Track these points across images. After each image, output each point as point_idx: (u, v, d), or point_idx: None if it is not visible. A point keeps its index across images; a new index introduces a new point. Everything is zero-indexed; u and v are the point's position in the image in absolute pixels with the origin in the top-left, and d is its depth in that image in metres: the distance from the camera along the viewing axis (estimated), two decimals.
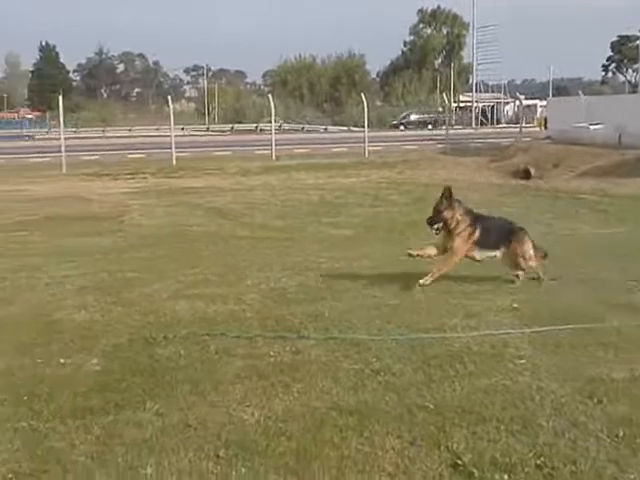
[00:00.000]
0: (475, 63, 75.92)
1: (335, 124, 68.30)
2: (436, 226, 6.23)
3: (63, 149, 22.40)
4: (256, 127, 61.01)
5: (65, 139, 23.37)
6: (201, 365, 4.47)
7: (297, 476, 3.12)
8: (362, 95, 30.61)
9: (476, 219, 6.27)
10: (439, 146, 30.17)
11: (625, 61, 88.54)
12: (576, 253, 8.29)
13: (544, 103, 49.04)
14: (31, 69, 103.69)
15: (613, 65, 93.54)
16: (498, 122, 68.42)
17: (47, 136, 47.17)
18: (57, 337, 5.05)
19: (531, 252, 6.44)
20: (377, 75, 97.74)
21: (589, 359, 4.42)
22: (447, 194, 6.19)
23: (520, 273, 6.45)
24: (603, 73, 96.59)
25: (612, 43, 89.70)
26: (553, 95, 64.16)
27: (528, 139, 26.89)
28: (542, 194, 15.06)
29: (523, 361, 4.40)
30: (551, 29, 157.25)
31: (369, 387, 4.06)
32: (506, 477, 3.07)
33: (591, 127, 23.41)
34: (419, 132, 49.38)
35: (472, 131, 52.96)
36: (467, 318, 5.31)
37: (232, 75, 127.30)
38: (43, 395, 4.02)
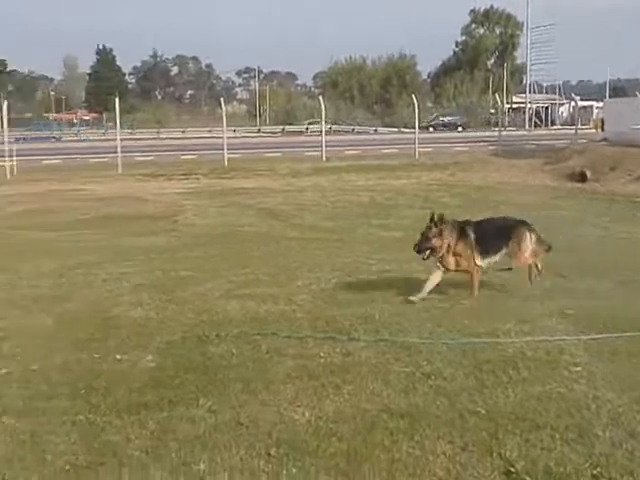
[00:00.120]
0: (529, 63, 74.55)
1: (385, 125, 68.03)
2: (424, 254, 5.97)
3: (119, 150, 22.95)
4: (307, 128, 61.31)
5: (121, 140, 23.94)
6: (252, 364, 4.52)
7: (348, 477, 3.13)
8: (413, 96, 30.33)
9: (465, 230, 5.99)
10: (491, 148, 29.68)
11: None
12: (633, 257, 8.05)
13: (600, 104, 47.71)
14: (88, 72, 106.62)
15: None
16: (552, 124, 66.99)
17: (103, 137, 48.39)
18: (114, 333, 5.19)
19: (530, 247, 6.15)
20: (428, 76, 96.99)
21: None
22: (439, 220, 5.91)
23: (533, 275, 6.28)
24: None
25: None
26: (610, 96, 62.44)
27: (584, 141, 26.19)
28: (598, 197, 14.66)
29: (579, 368, 4.31)
30: (608, 29, 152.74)
31: (420, 391, 4.04)
32: None
33: None
34: (462, 134, 48.65)
35: (525, 133, 51.94)
36: (520, 323, 5.22)
37: (283, 77, 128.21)
38: (100, 389, 4.14)
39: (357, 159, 26.57)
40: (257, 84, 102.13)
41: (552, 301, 5.81)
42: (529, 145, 31.36)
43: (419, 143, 27.42)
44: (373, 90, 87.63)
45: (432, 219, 5.90)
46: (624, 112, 26.49)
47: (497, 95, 40.99)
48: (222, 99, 28.85)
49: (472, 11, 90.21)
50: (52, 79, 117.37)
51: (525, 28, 76.15)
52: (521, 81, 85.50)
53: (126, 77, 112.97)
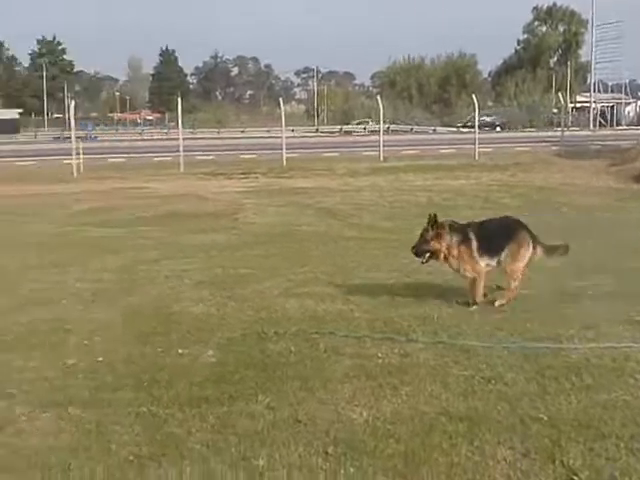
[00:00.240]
0: (594, 62, 72.35)
1: (444, 125, 67.27)
2: (422, 257, 5.80)
3: (181, 149, 23.44)
4: (359, 126, 61.35)
5: (183, 139, 24.44)
6: (311, 362, 4.55)
7: (405, 479, 3.11)
8: (473, 96, 29.88)
9: (466, 232, 5.73)
10: (554, 148, 28.99)
11: None
12: None
13: None
14: (152, 72, 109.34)
15: None
16: (618, 124, 64.90)
17: (166, 136, 49.50)
18: (175, 328, 5.31)
19: (524, 260, 5.74)
20: (488, 75, 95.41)
21: None
22: (433, 221, 5.69)
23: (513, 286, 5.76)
24: None
25: None
26: None
27: None
28: None
29: None
30: None
31: (479, 394, 3.99)
32: None
33: None
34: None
35: (590, 133, 50.46)
36: (584, 329, 5.08)
37: (341, 77, 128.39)
38: (162, 382, 4.25)
39: (415, 159, 26.35)
40: (315, 84, 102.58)
41: (618, 306, 5.62)
42: (593, 146, 30.48)
43: (479, 143, 27.01)
44: (432, 89, 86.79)
45: (430, 221, 5.69)
46: None
47: (560, 94, 39.89)
48: (281, 99, 29.07)
49: (535, 8, 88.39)
50: (117, 80, 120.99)
51: (590, 25, 74.01)
52: (585, 80, 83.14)
53: (188, 78, 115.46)
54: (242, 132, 59.92)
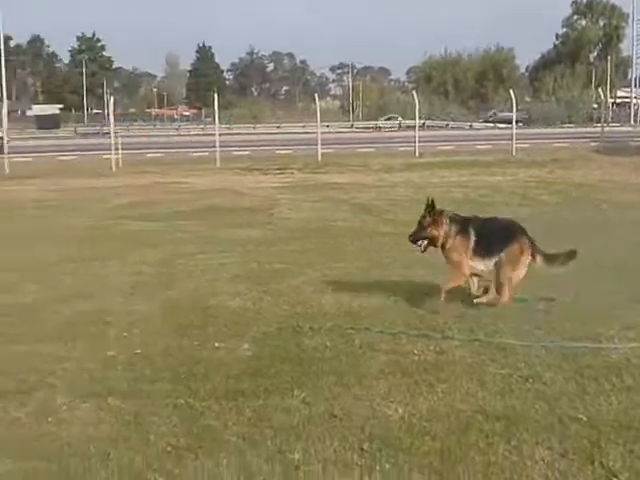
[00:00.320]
0: (634, 56, 70.71)
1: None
2: (420, 243, 5.64)
3: (217, 144, 23.65)
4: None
5: (219, 135, 24.64)
6: (346, 358, 4.56)
7: (441, 477, 3.10)
8: (510, 91, 29.45)
9: (466, 225, 5.54)
10: (593, 144, 28.44)
11: None
12: None
13: None
14: (189, 69, 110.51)
15: None
16: None
17: (202, 132, 49.94)
18: (212, 322, 5.37)
19: (523, 268, 5.48)
20: (526, 70, 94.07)
21: None
22: (431, 208, 5.54)
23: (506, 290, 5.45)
24: None
25: None
26: None
27: None
28: None
29: None
30: None
31: (517, 393, 3.94)
32: None
33: None
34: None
35: (630, 129, 49.33)
36: (625, 329, 4.98)
37: (376, 72, 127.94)
38: (199, 375, 4.30)
39: (451, 155, 26.13)
40: (350, 79, 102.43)
41: None
42: (634, 142, 29.80)
43: (516, 139, 26.65)
44: (468, 84, 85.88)
45: (427, 207, 5.55)
46: None
47: (600, 89, 39.06)
48: (316, 95, 29.15)
49: (574, 2, 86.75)
50: (155, 76, 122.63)
51: (631, 19, 72.36)
52: (626, 75, 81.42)
53: (224, 74, 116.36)
54: (277, 128, 60.17)
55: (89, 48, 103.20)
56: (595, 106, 59.22)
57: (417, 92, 33.04)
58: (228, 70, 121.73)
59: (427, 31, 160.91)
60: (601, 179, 16.71)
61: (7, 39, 71.86)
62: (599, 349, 4.59)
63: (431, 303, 5.62)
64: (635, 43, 70.42)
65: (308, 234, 9.35)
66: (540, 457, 3.23)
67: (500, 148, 27.74)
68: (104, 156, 24.62)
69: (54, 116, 58.89)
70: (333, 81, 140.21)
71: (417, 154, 25.41)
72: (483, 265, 5.59)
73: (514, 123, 28.20)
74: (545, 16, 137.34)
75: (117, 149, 22.94)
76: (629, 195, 13.65)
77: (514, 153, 25.43)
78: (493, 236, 5.60)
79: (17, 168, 22.35)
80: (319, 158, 23.83)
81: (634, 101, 65.32)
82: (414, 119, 28.61)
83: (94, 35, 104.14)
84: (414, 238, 5.70)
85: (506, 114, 65.86)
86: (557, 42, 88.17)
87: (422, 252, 5.76)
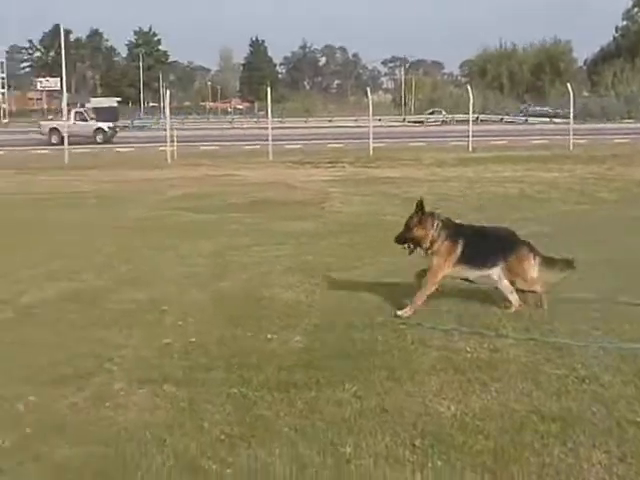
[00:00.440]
0: None
1: (536, 115, 65.01)
2: (406, 245, 5.43)
3: (270, 138, 23.84)
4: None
5: (271, 128, 24.82)
6: (398, 352, 4.54)
7: (495, 476, 3.05)
8: (568, 85, 28.68)
9: (457, 232, 5.32)
10: None
11: None
12: None
13: None
14: (242, 62, 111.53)
15: None
16: None
17: (255, 125, 50.36)
18: (265, 313, 5.42)
19: (533, 273, 5.30)
20: (584, 63, 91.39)
21: None
22: (419, 208, 5.32)
23: (514, 299, 5.35)
24: None
25: None
26: None
27: None
28: None
29: None
30: None
31: (573, 395, 3.85)
32: None
33: None
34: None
35: None
36: None
37: (429, 65, 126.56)
38: (252, 365, 4.35)
39: (505, 149, 25.68)
40: (403, 73, 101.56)
41: None
42: None
43: (573, 134, 26.00)
44: (524, 78, 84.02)
45: (416, 208, 5.33)
46: None
47: None
48: (368, 88, 29.03)
49: None
50: (209, 70, 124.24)
51: None
52: None
53: (277, 68, 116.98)
54: (329, 121, 60.15)
55: (146, 42, 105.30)
56: None
57: (471, 86, 32.47)
58: (281, 64, 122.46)
59: (482, 24, 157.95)
60: None
61: (67, 33, 73.93)
62: None
63: (485, 300, 5.53)
64: None
65: (359, 228, 9.34)
66: (597, 460, 3.15)
67: (557, 143, 27.12)
68: (159, 148, 25.13)
69: (112, 109, 60.29)
70: (385, 75, 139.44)
71: (470, 149, 25.06)
72: (470, 273, 5.41)
73: (572, 118, 27.50)
74: (604, 8, 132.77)
75: (172, 142, 23.34)
76: None
77: (571, 148, 24.81)
78: (486, 246, 5.39)
79: (76, 159, 23.01)
80: (371, 152, 23.75)
81: None
82: (467, 113, 28.21)
83: (151, 29, 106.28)
84: (399, 238, 5.49)
85: (537, 109, 64.78)
86: (617, 35, 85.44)
87: (410, 253, 5.53)
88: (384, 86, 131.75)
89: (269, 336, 4.88)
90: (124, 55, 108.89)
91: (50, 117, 49.81)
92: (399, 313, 5.22)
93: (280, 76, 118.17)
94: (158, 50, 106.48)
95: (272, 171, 18.76)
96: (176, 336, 4.93)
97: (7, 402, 3.88)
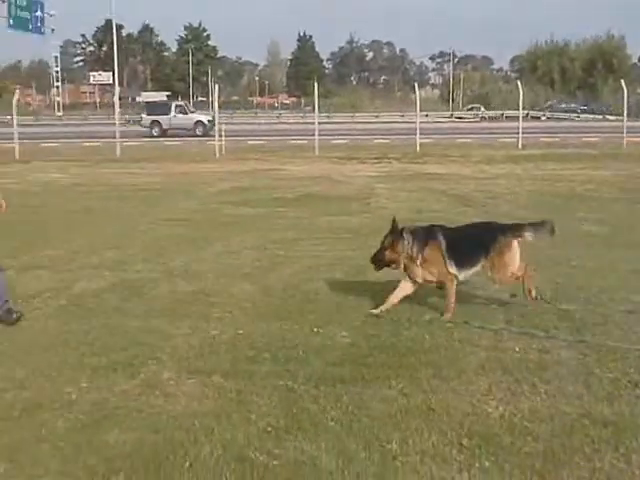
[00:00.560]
0: None
1: (588, 112, 63.44)
2: (381, 267, 5.39)
3: (316, 133, 23.88)
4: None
5: (318, 123, 24.84)
6: (445, 351, 4.50)
7: None
8: (622, 81, 27.87)
9: (433, 234, 5.23)
10: None
11: None
12: None
13: None
14: (290, 58, 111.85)
15: None
16: None
17: (301, 120, 50.49)
18: (311, 307, 5.45)
19: (515, 264, 5.18)
20: (639, 60, 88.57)
21: None
22: (392, 228, 5.27)
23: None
24: None
25: None
26: None
27: None
28: None
29: None
30: None
31: (626, 399, 3.76)
32: None
33: None
34: None
35: None
36: None
37: (478, 61, 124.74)
38: (298, 359, 4.38)
39: (556, 147, 25.15)
40: (451, 68, 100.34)
41: None
42: None
43: (627, 132, 25.28)
44: (575, 74, 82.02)
45: (391, 227, 5.27)
46: None
47: None
48: (416, 84, 28.70)
49: None
50: (257, 65, 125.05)
51: None
52: None
53: (324, 63, 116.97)
54: (376, 117, 59.89)
55: (195, 37, 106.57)
56: None
57: (521, 81, 31.83)
58: (328, 59, 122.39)
59: (532, 19, 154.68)
60: None
61: (119, 28, 75.40)
62: None
63: (535, 300, 5.43)
64: None
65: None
66: None
67: (609, 141, 26.42)
68: (208, 142, 25.44)
69: (163, 103, 61.36)
70: (433, 70, 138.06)
71: (520, 146, 24.61)
72: (462, 274, 5.27)
73: (625, 115, 26.73)
74: None
75: (220, 136, 23.60)
76: None
77: (625, 146, 24.13)
78: (467, 243, 5.29)
79: (126, 152, 23.49)
80: (417, 148, 23.57)
81: None
82: (517, 109, 27.70)
83: (200, 25, 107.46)
84: (373, 261, 5.43)
85: (563, 106, 63.24)
86: None
87: (377, 271, 5.50)
88: (431, 81, 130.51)
89: (315, 330, 4.90)
90: (174, 50, 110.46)
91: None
92: (442, 318, 5.14)
93: (327, 71, 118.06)
94: (207, 45, 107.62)
95: (318, 166, 18.79)
96: (224, 328, 4.99)
97: (61, 388, 4.00)
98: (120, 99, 32.93)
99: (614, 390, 3.87)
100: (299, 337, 4.77)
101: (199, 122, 38.38)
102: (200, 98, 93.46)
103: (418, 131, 24.59)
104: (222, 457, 3.20)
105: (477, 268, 5.29)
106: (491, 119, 56.79)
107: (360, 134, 33.58)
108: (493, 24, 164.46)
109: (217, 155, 22.56)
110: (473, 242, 5.30)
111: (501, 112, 56.38)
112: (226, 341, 4.73)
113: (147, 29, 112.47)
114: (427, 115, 49.90)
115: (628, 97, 26.95)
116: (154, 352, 4.51)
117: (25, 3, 27.96)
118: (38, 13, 29.21)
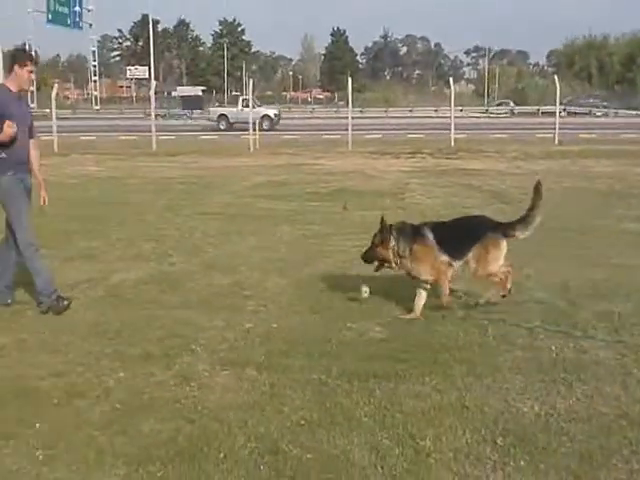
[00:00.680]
0: None
1: (627, 108, 62.04)
2: (374, 265, 5.32)
3: (350, 127, 23.81)
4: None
5: (351, 118, 24.76)
6: (479, 348, 4.47)
7: None
8: None
9: (420, 229, 5.23)
10: None
11: None
12: None
13: None
14: (323, 52, 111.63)
15: None
16: None
17: (335, 115, 50.37)
18: (344, 302, 5.45)
19: (497, 263, 5.11)
20: None
21: None
22: (381, 226, 5.24)
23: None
24: None
25: None
26: None
27: None
28: None
29: None
30: None
31: None
32: None
33: None
34: None
35: None
36: None
37: (514, 56, 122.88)
38: (332, 353, 4.39)
39: (593, 143, 24.65)
40: (486, 63, 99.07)
41: None
42: None
43: None
44: (614, 69, 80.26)
45: (381, 225, 5.25)
46: None
47: None
48: (451, 79, 28.38)
49: None
50: (290, 59, 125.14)
51: None
52: None
53: (357, 57, 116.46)
54: (410, 112, 59.39)
55: (230, 32, 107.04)
56: None
57: (558, 76, 31.25)
58: (361, 54, 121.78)
59: (569, 13, 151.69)
60: None
61: (155, 23, 76.22)
62: None
63: (571, 298, 5.36)
64: None
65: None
66: None
67: None
68: (242, 136, 25.58)
69: (198, 97, 61.76)
70: (467, 65, 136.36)
71: (557, 142, 24.19)
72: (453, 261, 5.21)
73: None
74: None
75: (255, 130, 23.70)
76: None
77: None
78: (455, 235, 5.25)
79: (162, 146, 23.74)
80: (452, 143, 23.32)
81: None
82: (554, 105, 27.24)
83: (235, 20, 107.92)
84: (364, 258, 5.41)
85: (582, 101, 61.85)
86: None
87: (376, 272, 5.44)
88: (466, 76, 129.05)
89: (349, 325, 4.91)
90: (209, 45, 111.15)
91: (217, 104, 52.78)
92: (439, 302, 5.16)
93: (360, 66, 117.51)
94: (242, 40, 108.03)
95: (351, 161, 18.74)
96: (258, 321, 5.03)
97: (98, 377, 4.08)
98: (156, 93, 33.26)
99: None
100: (332, 331, 4.79)
101: (266, 116, 38.33)
102: (235, 93, 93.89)
103: (453, 126, 24.33)
104: (256, 449, 3.23)
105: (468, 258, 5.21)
106: (524, 114, 55.85)
107: (394, 129, 33.38)
108: (527, 19, 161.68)
109: (251, 149, 22.66)
110: (463, 235, 5.26)
111: (537, 107, 55.47)
112: (260, 334, 4.76)
113: (183, 24, 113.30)
114: (462, 110, 49.34)
115: None
116: (189, 344, 4.57)
117: None
118: (77, 8, 29.72)
